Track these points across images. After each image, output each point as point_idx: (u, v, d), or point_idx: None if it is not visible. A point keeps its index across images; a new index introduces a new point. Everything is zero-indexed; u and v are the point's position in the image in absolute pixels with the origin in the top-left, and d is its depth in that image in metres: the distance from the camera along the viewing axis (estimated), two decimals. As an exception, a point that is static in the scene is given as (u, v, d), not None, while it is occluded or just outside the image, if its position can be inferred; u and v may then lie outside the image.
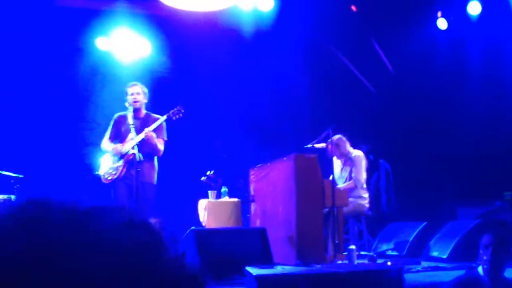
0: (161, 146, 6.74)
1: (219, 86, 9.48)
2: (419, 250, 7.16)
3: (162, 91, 7.05)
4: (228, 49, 9.38)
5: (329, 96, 10.04)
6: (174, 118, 6.81)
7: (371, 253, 7.01)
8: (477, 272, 3.93)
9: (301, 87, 10.09)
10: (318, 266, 5.51)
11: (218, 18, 9.04)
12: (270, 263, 5.49)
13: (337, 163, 7.91)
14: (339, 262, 6.06)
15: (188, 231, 5.71)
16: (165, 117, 6.76)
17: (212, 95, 9.41)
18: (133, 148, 6.39)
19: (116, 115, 6.92)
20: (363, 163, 7.77)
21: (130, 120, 6.57)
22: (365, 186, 7.78)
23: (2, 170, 7.44)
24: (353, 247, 6.11)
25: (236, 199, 7.35)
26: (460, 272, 4.21)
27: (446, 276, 4.83)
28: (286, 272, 4.73)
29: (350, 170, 7.75)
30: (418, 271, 5.80)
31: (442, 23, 10.05)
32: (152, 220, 6.77)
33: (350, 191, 7.45)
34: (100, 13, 8.81)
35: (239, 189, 7.82)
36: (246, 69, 9.68)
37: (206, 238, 5.63)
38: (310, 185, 6.34)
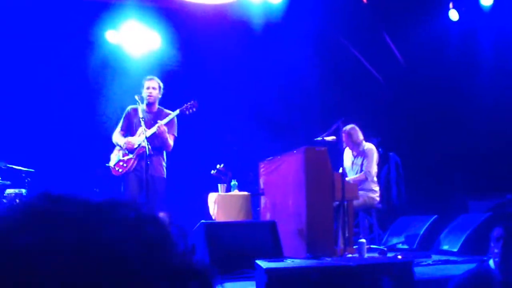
0: (171, 141, 6.76)
1: (228, 79, 9.47)
2: (429, 244, 7.13)
3: (171, 84, 7.05)
4: (237, 42, 9.37)
5: (339, 88, 10.01)
6: (187, 112, 6.81)
7: (382, 247, 7.00)
8: (488, 265, 3.90)
9: (311, 79, 10.07)
10: (328, 259, 5.50)
11: (227, 10, 9.03)
12: (280, 257, 5.49)
13: (348, 155, 7.90)
14: (349, 255, 6.06)
15: (198, 224, 5.72)
16: (177, 112, 6.77)
17: (222, 88, 9.41)
18: (144, 141, 6.40)
19: (128, 108, 6.93)
20: (375, 156, 7.76)
21: (140, 113, 6.58)
22: (375, 179, 7.76)
23: (13, 165, 7.49)
24: (363, 240, 6.10)
25: (246, 193, 7.36)
26: (471, 266, 4.19)
27: (457, 270, 4.81)
28: (296, 265, 4.72)
29: (361, 161, 7.74)
30: (428, 264, 5.78)
31: (453, 14, 9.96)
32: (162, 214, 6.82)
33: (360, 184, 7.44)
34: (110, 7, 8.83)
35: (249, 182, 7.82)
36: (256, 62, 9.66)
37: (216, 231, 5.63)
38: (320, 178, 6.34)
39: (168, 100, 7.03)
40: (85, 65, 8.84)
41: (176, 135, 6.85)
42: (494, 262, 3.84)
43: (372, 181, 7.67)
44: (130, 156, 6.69)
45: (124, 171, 6.70)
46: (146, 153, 6.30)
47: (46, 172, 7.87)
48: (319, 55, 9.99)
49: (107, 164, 6.87)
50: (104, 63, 9.01)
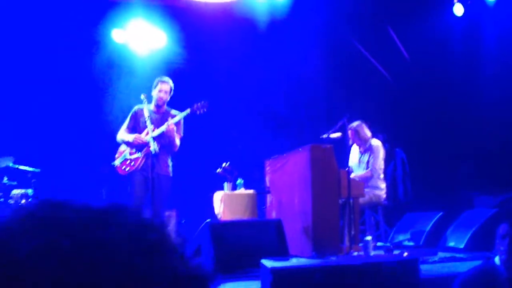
0: (178, 141, 6.77)
1: (234, 77, 9.48)
2: (436, 240, 7.12)
3: (177, 82, 7.05)
4: (243, 40, 9.38)
5: (344, 84, 10.00)
6: (198, 112, 6.81)
7: (388, 244, 7.00)
8: (494, 262, 3.89)
9: (316, 77, 10.06)
10: (334, 258, 5.50)
11: (233, 8, 9.04)
12: (285, 255, 5.49)
13: (355, 151, 7.90)
14: (355, 253, 6.06)
15: (203, 223, 5.73)
16: (188, 111, 6.75)
17: (228, 86, 9.42)
18: (150, 140, 6.41)
19: (136, 107, 6.91)
20: (381, 152, 7.75)
21: (147, 112, 6.59)
22: (382, 176, 7.75)
23: (20, 165, 7.52)
24: (369, 238, 6.09)
25: (251, 191, 7.36)
26: (477, 263, 4.18)
27: (463, 267, 4.81)
28: (301, 264, 4.73)
29: (368, 158, 7.73)
30: (434, 261, 5.78)
31: (458, 9, 9.93)
32: (168, 213, 6.81)
33: (366, 181, 7.43)
34: (115, 5, 8.85)
35: (255, 181, 7.83)
36: (262, 59, 9.67)
37: (222, 230, 5.63)
38: (326, 176, 6.33)
39: (175, 98, 7.04)
40: (91, 64, 8.86)
41: (182, 135, 6.86)
42: (500, 259, 3.83)
43: (378, 178, 7.66)
44: (138, 155, 6.70)
45: (132, 170, 6.71)
46: (151, 152, 6.31)
47: (53, 172, 7.91)
48: (324, 52, 9.99)
49: (112, 163, 6.88)
50: (110, 62, 9.03)
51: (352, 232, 6.32)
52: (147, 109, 6.64)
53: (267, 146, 8.62)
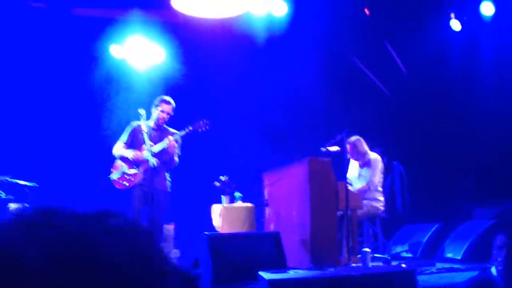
0: (176, 158, 6.83)
1: (233, 92, 9.51)
2: (433, 251, 7.13)
3: (176, 98, 7.08)
4: (242, 55, 9.42)
5: (342, 99, 10.04)
6: (200, 130, 6.85)
7: (386, 255, 7.00)
8: (491, 273, 3.90)
9: (314, 91, 10.09)
10: (332, 269, 5.50)
11: (231, 24, 9.08)
12: (283, 268, 5.49)
13: (354, 166, 7.93)
14: (353, 265, 6.07)
15: (201, 236, 5.74)
16: (186, 130, 6.78)
17: (226, 101, 9.44)
18: (149, 156, 6.44)
19: (134, 123, 6.93)
20: (380, 166, 7.79)
21: (145, 128, 6.62)
22: (380, 189, 7.78)
23: (17, 179, 7.52)
24: (367, 249, 6.10)
25: (250, 204, 7.37)
26: (474, 273, 4.19)
27: (460, 278, 4.82)
28: (299, 276, 4.73)
29: (367, 171, 7.77)
30: (432, 272, 5.79)
31: (455, 25, 9.99)
32: (167, 226, 6.84)
33: (364, 193, 7.46)
34: (114, 21, 8.88)
35: (253, 194, 7.84)
36: (260, 74, 9.71)
37: (220, 243, 5.63)
38: (324, 189, 6.35)
39: (173, 114, 7.07)
40: (89, 79, 8.88)
41: (180, 153, 6.91)
42: (497, 270, 3.84)
43: (376, 190, 7.69)
44: (136, 170, 6.73)
45: (131, 185, 6.74)
46: (151, 167, 6.35)
47: (50, 187, 7.91)
48: (322, 66, 10.02)
49: (109, 176, 6.90)
50: (108, 77, 9.05)
51: (350, 244, 6.33)
52: (145, 125, 6.67)
53: (265, 160, 8.63)
